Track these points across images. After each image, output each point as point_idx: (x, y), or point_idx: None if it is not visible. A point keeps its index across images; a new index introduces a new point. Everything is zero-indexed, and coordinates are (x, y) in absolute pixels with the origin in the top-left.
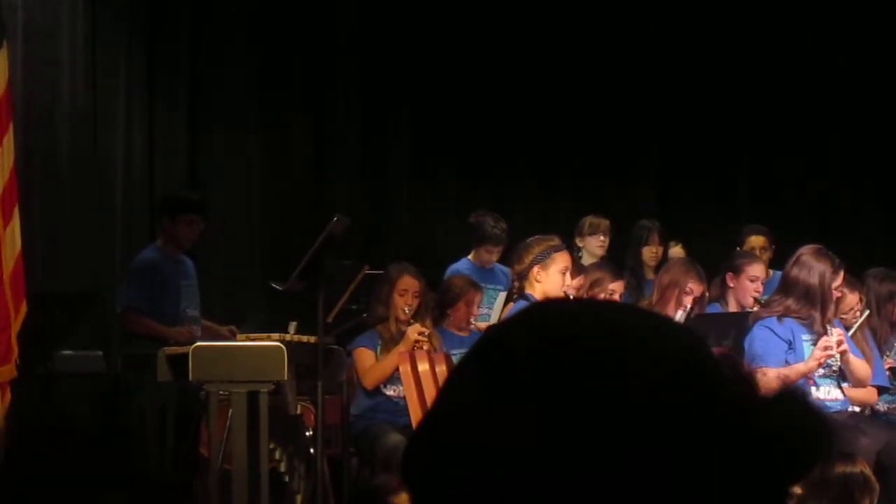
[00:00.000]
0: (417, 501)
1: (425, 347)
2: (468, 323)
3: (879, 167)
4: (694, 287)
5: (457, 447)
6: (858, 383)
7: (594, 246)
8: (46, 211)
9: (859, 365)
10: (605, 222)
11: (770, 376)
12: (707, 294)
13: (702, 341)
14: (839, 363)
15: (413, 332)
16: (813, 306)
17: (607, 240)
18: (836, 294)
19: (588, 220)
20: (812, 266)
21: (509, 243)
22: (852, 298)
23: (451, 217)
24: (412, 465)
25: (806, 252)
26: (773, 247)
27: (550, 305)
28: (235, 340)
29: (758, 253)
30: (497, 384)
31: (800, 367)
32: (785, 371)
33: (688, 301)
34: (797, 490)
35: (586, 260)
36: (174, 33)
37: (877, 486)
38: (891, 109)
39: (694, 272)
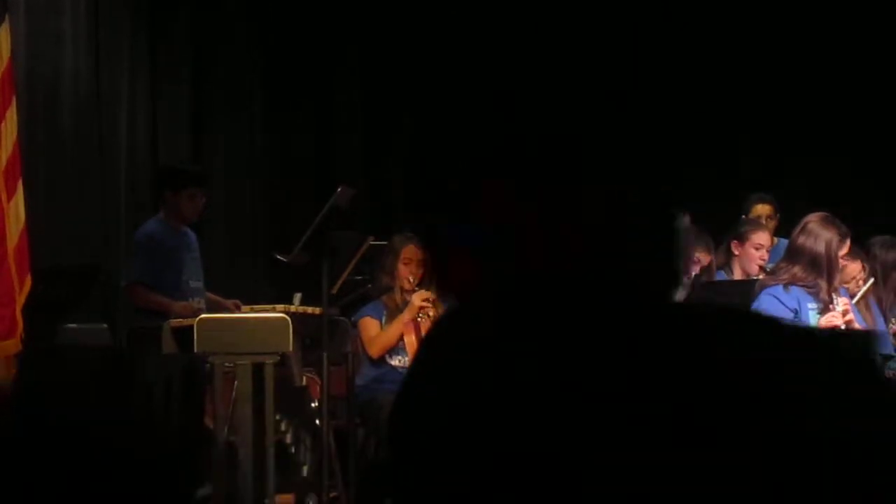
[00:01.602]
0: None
1: (431, 314)
2: None
3: (884, 136)
4: (702, 256)
5: (421, 406)
6: None
7: None
8: (50, 185)
9: None
10: None
11: None
12: (714, 263)
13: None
14: None
15: (418, 298)
16: (819, 274)
17: None
18: (842, 262)
19: None
20: (819, 234)
21: None
22: (854, 267)
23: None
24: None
25: (813, 220)
26: (779, 215)
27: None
28: (237, 313)
29: (763, 221)
30: (463, 348)
31: None
32: None
33: (695, 270)
34: None
35: None
36: (177, 8)
37: None
38: (890, 79)
39: (701, 241)
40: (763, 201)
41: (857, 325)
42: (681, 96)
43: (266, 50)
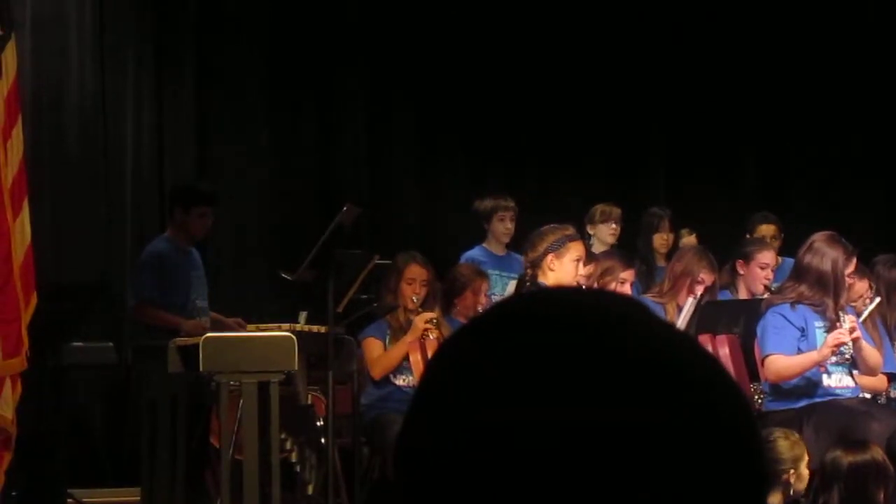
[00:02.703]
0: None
1: (434, 336)
2: (476, 311)
3: (887, 154)
4: (706, 276)
5: (435, 426)
6: (870, 371)
7: (605, 234)
8: (56, 202)
9: (871, 353)
10: (616, 210)
11: (782, 364)
12: (717, 282)
13: (698, 350)
14: (851, 351)
15: (421, 320)
16: (826, 293)
17: (619, 228)
18: (848, 281)
19: (600, 208)
20: (825, 252)
21: (519, 231)
22: (861, 286)
23: (461, 206)
24: (402, 452)
25: (819, 238)
26: (783, 235)
27: (555, 290)
28: (242, 332)
29: (768, 241)
30: (479, 367)
31: (813, 356)
32: (798, 359)
33: (699, 290)
34: (805, 471)
35: (597, 248)
36: (181, 21)
37: (892, 472)
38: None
39: (706, 261)
40: (767, 221)
41: (864, 343)
42: (685, 116)
43: (272, 63)
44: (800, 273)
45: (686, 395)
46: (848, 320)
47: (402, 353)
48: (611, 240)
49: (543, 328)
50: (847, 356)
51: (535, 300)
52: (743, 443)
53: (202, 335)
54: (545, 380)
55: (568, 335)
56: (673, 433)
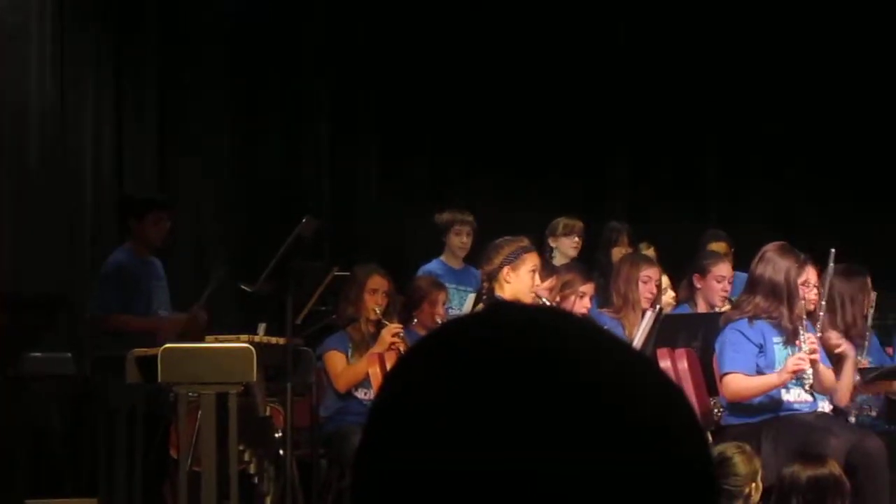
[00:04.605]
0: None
1: (402, 348)
2: (434, 323)
3: (850, 165)
4: (650, 273)
5: (398, 442)
6: (823, 391)
7: (568, 247)
8: (15, 212)
9: (827, 374)
10: (578, 224)
11: (741, 385)
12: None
13: (655, 374)
14: (811, 378)
15: (388, 333)
16: (780, 302)
17: (581, 241)
18: (802, 290)
19: (562, 222)
20: (777, 262)
21: (480, 244)
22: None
23: (421, 219)
24: (360, 468)
25: (770, 249)
26: (734, 251)
27: (511, 308)
28: (205, 316)
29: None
30: (440, 382)
31: (772, 380)
32: (756, 381)
33: (650, 289)
34: (760, 482)
35: (559, 261)
36: (142, 33)
37: (848, 487)
38: (855, 106)
39: (640, 261)
40: (717, 239)
41: (820, 365)
42: (645, 130)
43: (234, 74)
44: (753, 285)
45: (639, 418)
46: (807, 340)
47: (367, 367)
48: (573, 253)
49: (501, 345)
50: (806, 383)
51: (493, 315)
52: (696, 465)
53: (181, 330)
54: (502, 398)
55: (525, 353)
56: (624, 452)
